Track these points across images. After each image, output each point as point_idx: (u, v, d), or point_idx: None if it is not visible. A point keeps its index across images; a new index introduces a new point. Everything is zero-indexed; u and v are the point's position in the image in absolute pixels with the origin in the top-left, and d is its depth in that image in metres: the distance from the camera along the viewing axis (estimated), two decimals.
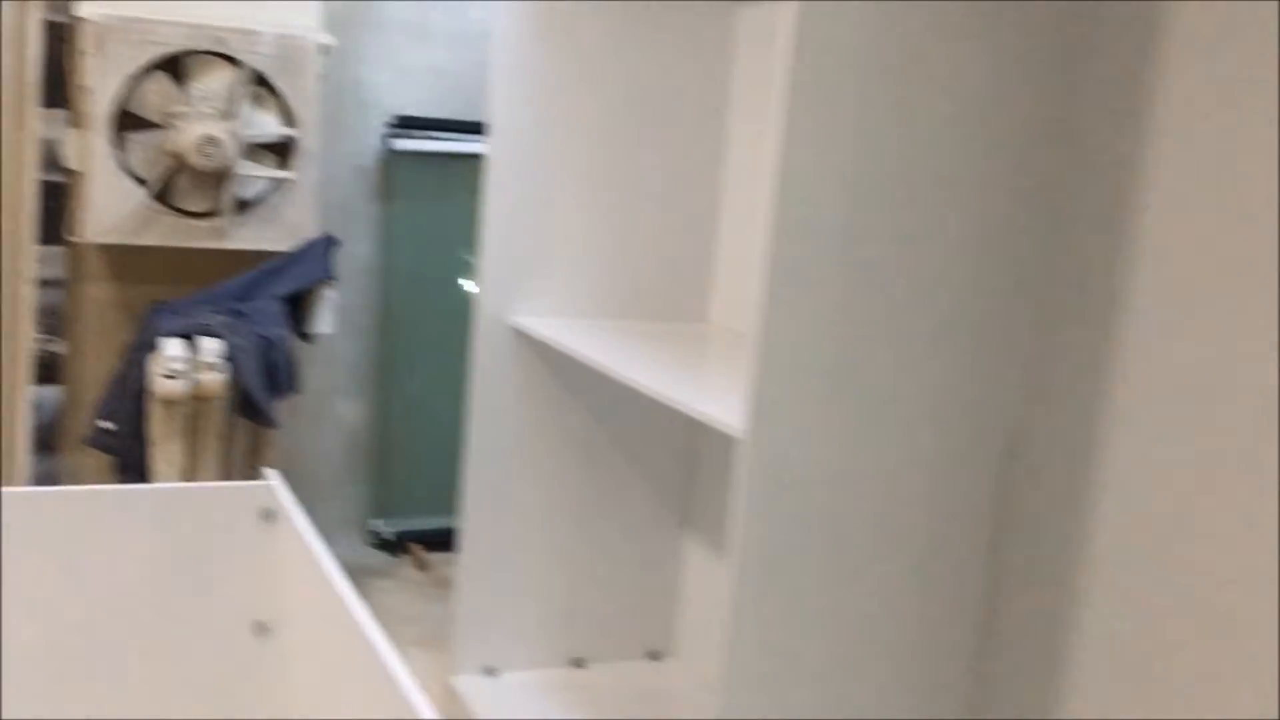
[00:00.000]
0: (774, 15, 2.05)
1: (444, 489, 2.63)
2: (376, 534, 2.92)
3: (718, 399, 1.53)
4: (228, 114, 2.30)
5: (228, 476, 2.22)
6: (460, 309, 2.49)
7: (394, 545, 2.91)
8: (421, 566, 2.84)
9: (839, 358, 1.37)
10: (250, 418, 2.25)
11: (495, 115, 2.01)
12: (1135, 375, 1.37)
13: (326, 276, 2.41)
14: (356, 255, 2.82)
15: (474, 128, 2.73)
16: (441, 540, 2.78)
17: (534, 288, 2.09)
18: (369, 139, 2.81)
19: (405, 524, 2.92)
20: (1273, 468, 1.21)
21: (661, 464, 2.22)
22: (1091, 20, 1.42)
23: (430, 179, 2.84)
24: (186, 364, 2.09)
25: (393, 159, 2.82)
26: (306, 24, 2.39)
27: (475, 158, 2.46)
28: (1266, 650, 1.22)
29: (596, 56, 2.05)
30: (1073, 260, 1.45)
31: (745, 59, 2.13)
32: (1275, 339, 1.21)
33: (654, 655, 2.28)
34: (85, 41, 2.25)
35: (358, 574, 2.73)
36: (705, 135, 2.15)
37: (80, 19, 2.25)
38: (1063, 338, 1.46)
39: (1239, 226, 1.25)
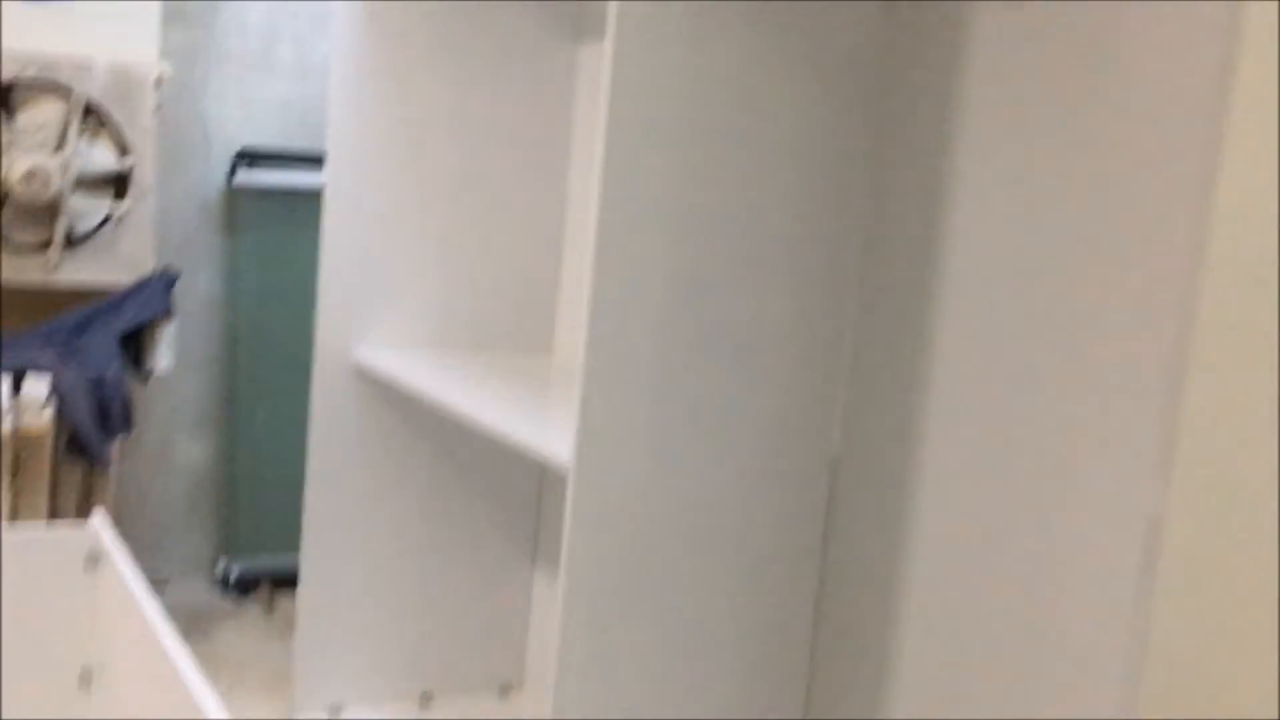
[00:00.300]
0: None
1: (294, 527, 2.58)
2: (225, 575, 2.85)
3: (552, 431, 1.54)
4: (58, 145, 2.24)
5: (56, 519, 2.14)
6: (307, 344, 2.46)
7: (243, 585, 2.84)
8: (269, 607, 2.78)
9: (663, 384, 1.40)
10: (82, 457, 2.18)
11: (334, 147, 2.00)
12: (949, 388, 1.42)
13: (165, 312, 2.35)
14: (199, 291, 2.76)
15: (321, 160, 2.71)
16: (293, 579, 2.73)
17: (376, 320, 2.08)
18: (212, 173, 2.76)
19: (255, 563, 2.86)
20: (1079, 474, 1.27)
21: (510, 497, 2.22)
22: (897, 58, 1.48)
23: (276, 213, 2.81)
24: (10, 403, 2.02)
25: (237, 193, 2.77)
26: (143, 53, 2.35)
27: (321, 193, 2.44)
28: (1082, 652, 1.27)
29: (437, 88, 2.06)
30: (886, 280, 1.50)
31: (586, 94, 2.15)
32: (1071, 355, 1.28)
33: (505, 689, 2.27)
34: None
35: (204, 616, 2.66)
36: (548, 167, 2.17)
37: None
38: (881, 354, 1.51)
39: (1036, 246, 1.32)
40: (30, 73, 2.22)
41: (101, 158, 2.30)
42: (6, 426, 2.02)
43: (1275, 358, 0.98)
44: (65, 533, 1.45)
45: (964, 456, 1.41)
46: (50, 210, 2.25)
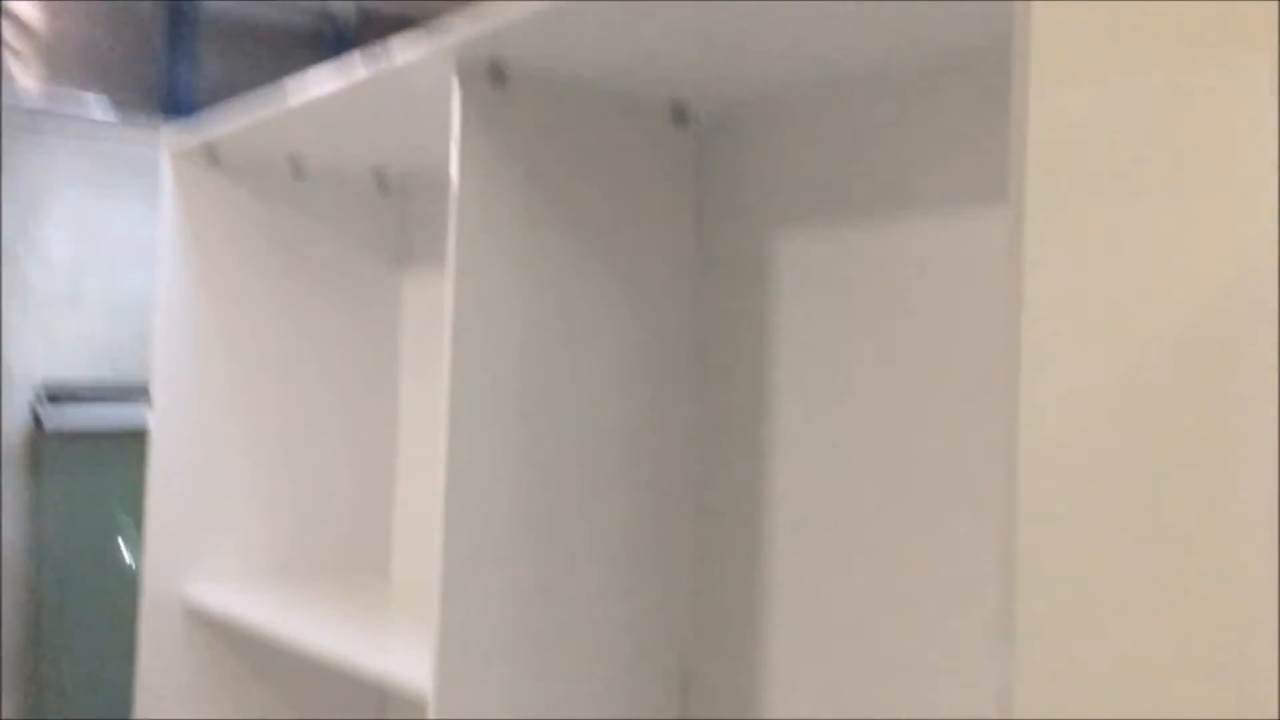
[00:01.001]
0: (437, 283, 2.15)
1: None
2: None
3: (397, 658, 1.52)
4: None
5: None
6: (120, 588, 2.36)
7: None
8: None
9: (515, 608, 1.41)
10: None
11: (159, 380, 1.98)
12: (792, 591, 1.48)
13: None
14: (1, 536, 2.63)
15: (132, 396, 2.65)
16: None
17: (207, 554, 2.02)
18: (15, 412, 2.68)
19: None
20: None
21: None
22: (711, 281, 1.60)
23: (84, 453, 2.72)
24: None
25: (41, 435, 2.68)
26: None
27: (134, 433, 2.39)
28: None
29: (262, 318, 2.08)
30: (721, 487, 1.57)
31: (411, 320, 2.21)
32: (905, 544, 1.36)
33: None
34: None
35: None
36: (377, 392, 2.20)
37: None
38: (722, 564, 1.57)
39: (858, 446, 1.41)
40: None
41: None
42: None
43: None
44: None
45: (814, 668, 1.46)
46: None
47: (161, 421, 1.99)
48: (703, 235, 1.60)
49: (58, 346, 2.68)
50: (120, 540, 2.64)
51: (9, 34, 2.92)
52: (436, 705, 1.35)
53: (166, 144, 2.00)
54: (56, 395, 2.64)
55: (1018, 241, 0.92)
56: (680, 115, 1.57)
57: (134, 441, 2.11)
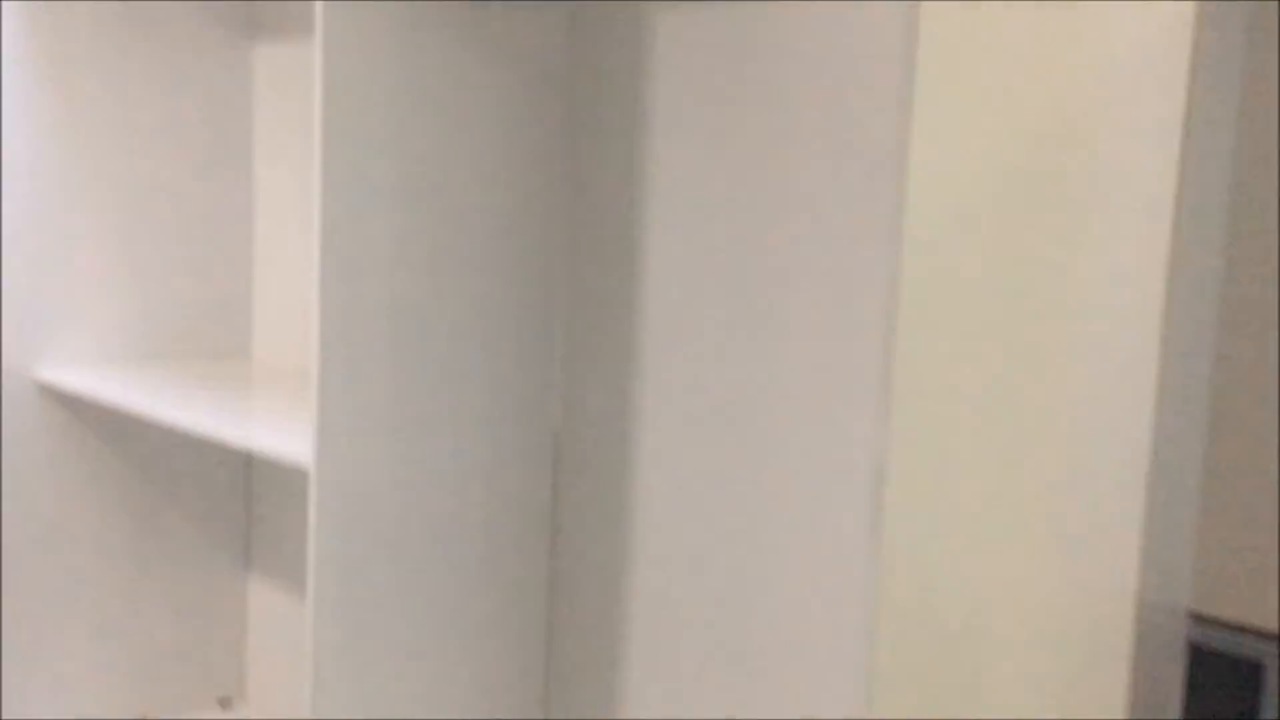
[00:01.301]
0: (290, 56, 2.08)
1: None
2: None
3: (276, 433, 1.55)
4: None
5: None
6: None
7: None
8: None
9: (393, 378, 1.45)
10: None
11: (5, 159, 1.89)
12: (660, 363, 1.55)
13: None
14: None
15: None
16: None
17: (62, 336, 1.99)
18: None
19: None
20: (796, 433, 1.42)
21: (218, 508, 2.18)
22: (584, 60, 1.59)
23: None
24: None
25: None
26: None
27: None
28: (816, 614, 1.43)
29: (110, 92, 1.99)
30: (592, 263, 1.61)
31: (266, 96, 2.14)
32: (776, 322, 1.43)
33: (224, 702, 2.23)
34: None
35: None
36: (231, 168, 2.14)
37: None
38: (592, 335, 1.62)
39: (731, 227, 1.46)
40: None
41: None
42: None
43: (973, 320, 1.15)
44: None
45: (679, 427, 1.53)
46: None
47: (9, 204, 1.91)
48: (576, 15, 1.59)
49: None
50: None
51: None
52: (318, 476, 1.39)
53: None
54: None
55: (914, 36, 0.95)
56: None
57: None
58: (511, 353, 1.57)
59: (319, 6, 1.32)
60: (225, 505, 2.19)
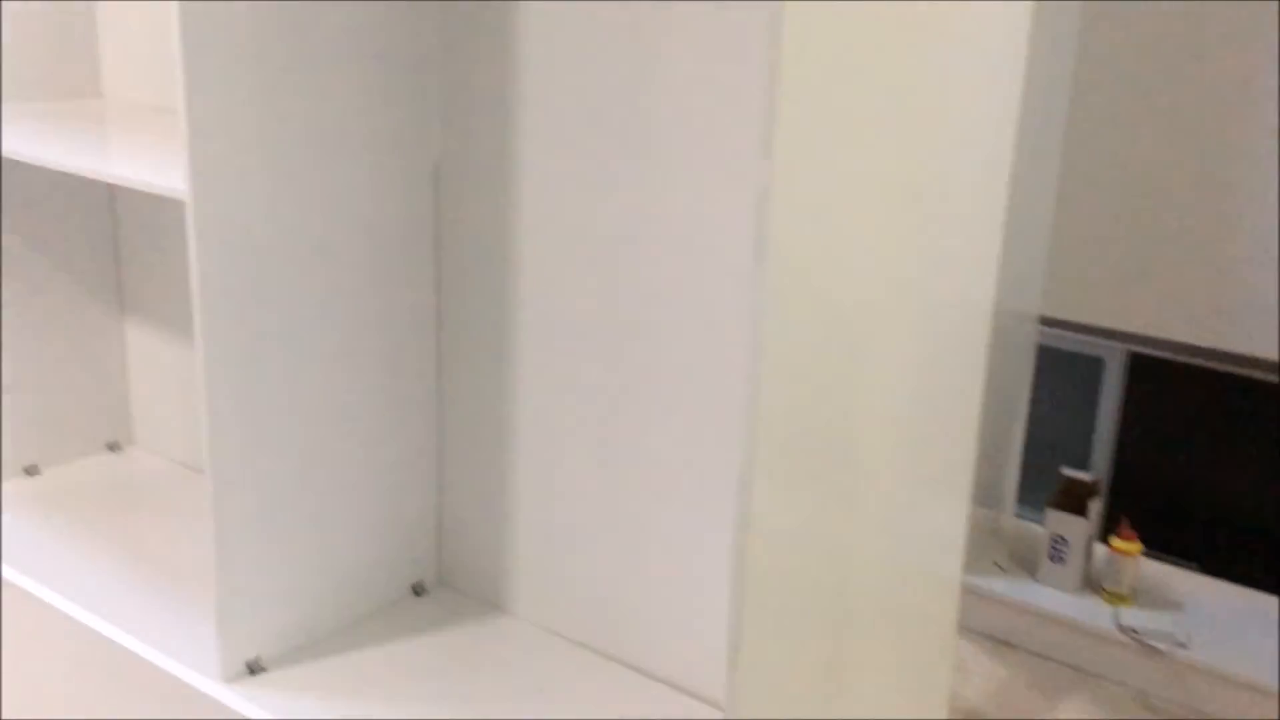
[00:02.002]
0: None
1: None
2: None
3: (145, 168, 1.51)
4: None
5: None
6: None
7: None
8: None
9: (267, 106, 1.41)
10: None
11: None
12: (539, 91, 1.53)
13: None
14: None
15: None
16: None
17: None
18: None
19: None
20: (678, 171, 1.44)
21: (85, 252, 2.12)
22: None
23: None
24: None
25: None
26: None
27: None
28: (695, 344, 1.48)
29: None
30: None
31: None
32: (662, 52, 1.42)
33: (113, 446, 2.25)
34: None
35: None
36: None
37: None
38: (471, 64, 1.59)
39: None
40: None
41: None
42: None
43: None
44: None
45: (562, 153, 1.54)
46: None
47: None
48: None
49: None
50: None
51: None
52: (196, 208, 1.37)
53: None
54: None
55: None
56: None
57: None
58: (389, 81, 1.54)
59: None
60: (93, 249, 2.14)
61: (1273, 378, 2.61)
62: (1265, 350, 2.54)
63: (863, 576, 1.38)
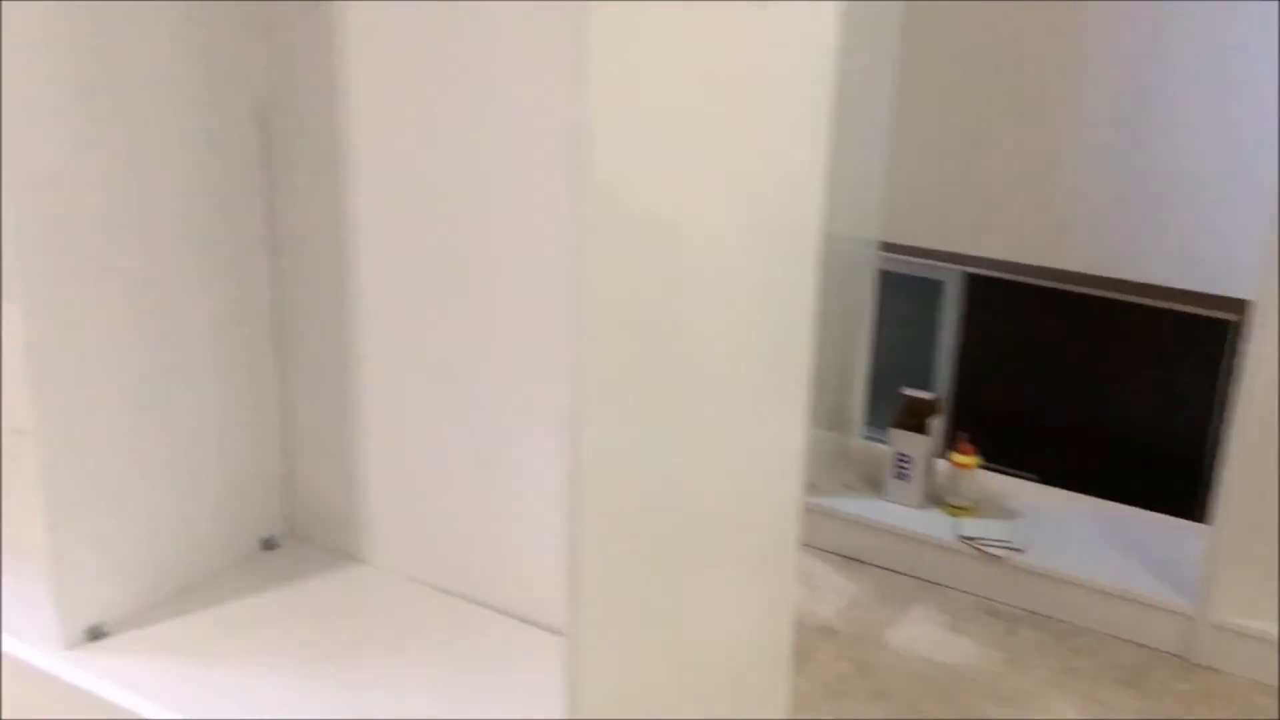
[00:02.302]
0: None
1: None
2: None
3: None
4: None
5: None
6: None
7: None
8: None
9: (77, 53, 1.36)
10: None
11: None
12: (365, 34, 1.51)
13: None
14: None
15: None
16: None
17: None
18: None
19: None
20: (495, 87, 1.43)
21: None
22: None
23: None
24: None
25: None
26: None
27: None
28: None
29: None
30: None
31: None
32: None
33: None
34: None
35: None
36: None
37: None
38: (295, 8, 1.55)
39: None
40: None
41: None
42: None
43: None
44: None
45: (388, 98, 1.51)
46: None
47: None
48: None
49: None
50: None
51: None
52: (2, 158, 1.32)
53: None
54: None
55: None
56: None
57: None
58: (207, 21, 1.49)
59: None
60: None
61: (1099, 292, 2.73)
62: (1091, 267, 2.65)
63: (702, 498, 1.41)
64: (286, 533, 1.80)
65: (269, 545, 1.78)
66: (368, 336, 1.63)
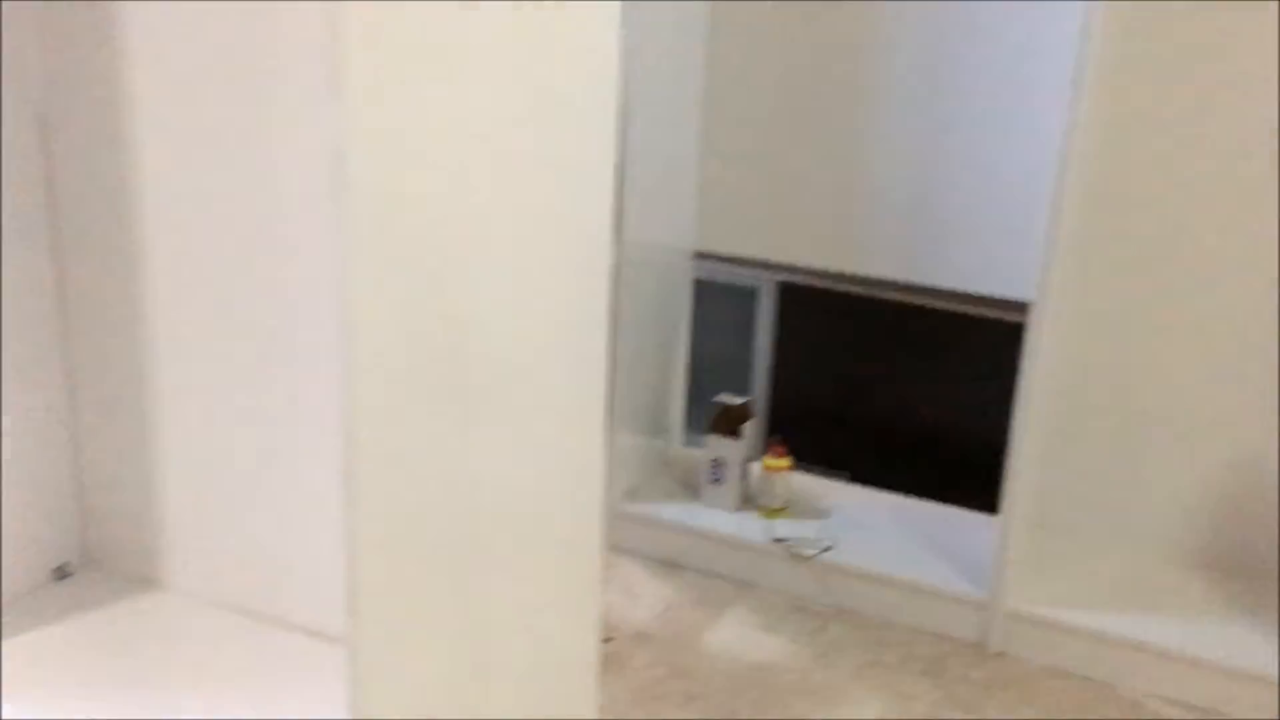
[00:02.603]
0: None
1: None
2: None
3: None
4: None
5: None
6: None
7: None
8: None
9: None
10: None
11: None
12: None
13: None
14: None
15: None
16: None
17: None
18: None
19: None
20: None
21: None
22: None
23: None
24: None
25: None
26: None
27: None
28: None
29: None
30: None
31: None
32: None
33: None
34: None
35: None
36: None
37: None
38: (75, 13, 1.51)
39: None
40: None
41: None
42: None
43: None
44: None
45: (173, 108, 1.49)
46: None
47: None
48: None
49: None
50: None
51: None
52: None
53: None
54: None
55: None
56: None
57: None
58: None
59: None
60: None
61: (900, 297, 2.83)
62: (892, 272, 2.75)
63: (495, 502, 1.42)
64: (82, 560, 1.74)
65: (62, 574, 1.72)
66: (159, 355, 1.60)
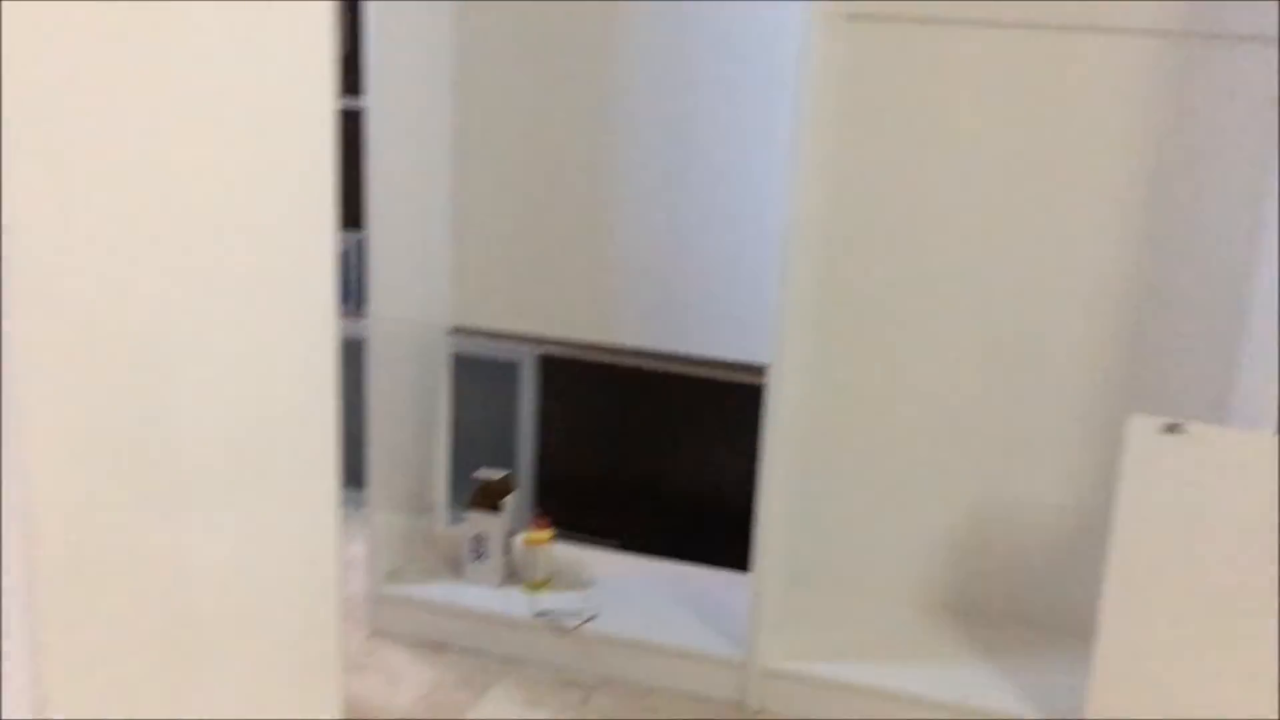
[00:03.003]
0: None
1: None
2: None
3: None
4: None
5: None
6: None
7: None
8: None
9: None
10: None
11: None
12: None
13: None
14: None
15: None
16: None
17: None
18: None
19: None
20: None
21: None
22: None
23: None
24: None
25: None
26: None
27: None
28: None
29: None
30: None
31: None
32: None
33: None
34: None
35: None
36: None
37: None
38: None
39: None
40: None
41: None
42: None
43: None
44: None
45: None
46: None
47: None
48: None
49: None
50: None
51: None
52: None
53: None
54: None
55: None
56: None
57: None
58: None
59: None
60: None
61: (653, 365, 2.89)
62: (643, 341, 2.81)
63: (209, 587, 1.37)
64: None
65: None
66: None
